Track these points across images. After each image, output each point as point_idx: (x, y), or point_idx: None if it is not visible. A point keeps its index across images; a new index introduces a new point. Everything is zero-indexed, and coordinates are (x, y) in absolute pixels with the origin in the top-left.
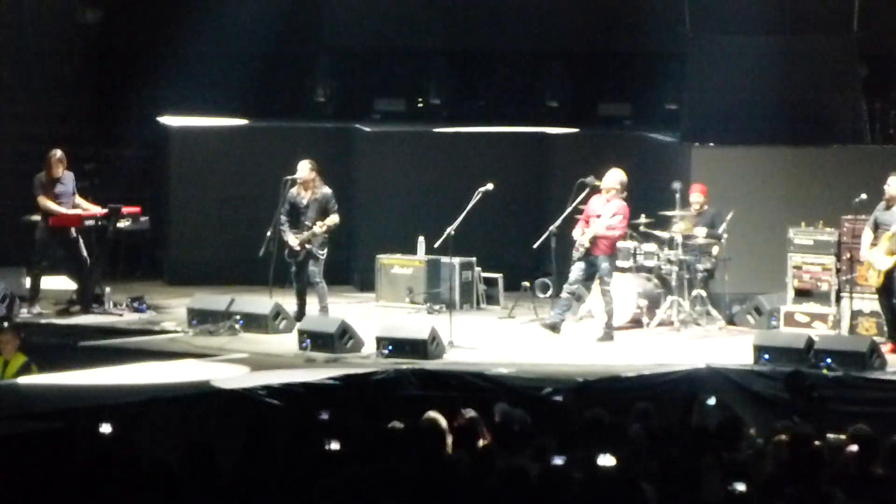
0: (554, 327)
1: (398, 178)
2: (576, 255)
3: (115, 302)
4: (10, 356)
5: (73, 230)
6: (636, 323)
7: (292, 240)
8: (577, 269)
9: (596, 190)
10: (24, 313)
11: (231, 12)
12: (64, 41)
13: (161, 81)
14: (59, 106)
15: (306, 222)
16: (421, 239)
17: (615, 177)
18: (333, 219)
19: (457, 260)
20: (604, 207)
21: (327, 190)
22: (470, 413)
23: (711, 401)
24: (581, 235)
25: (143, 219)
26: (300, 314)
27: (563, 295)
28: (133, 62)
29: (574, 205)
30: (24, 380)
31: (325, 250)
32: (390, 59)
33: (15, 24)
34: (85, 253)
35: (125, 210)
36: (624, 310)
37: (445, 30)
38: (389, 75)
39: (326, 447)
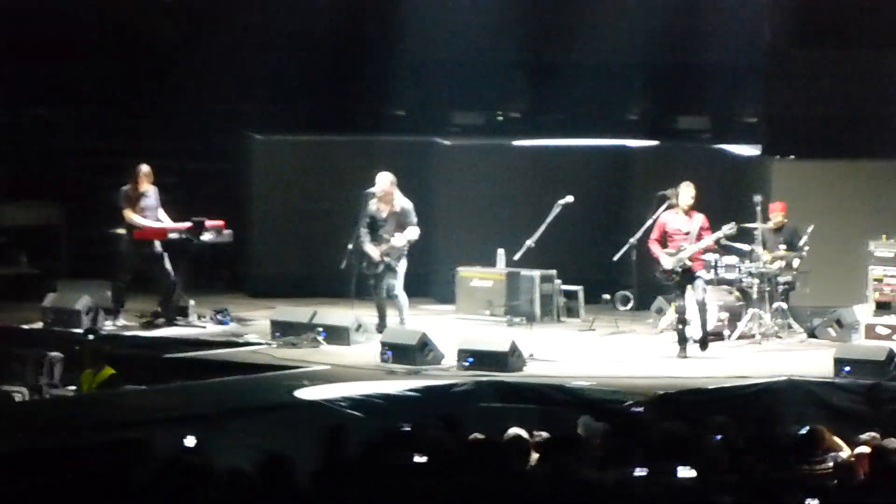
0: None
1: (477, 191)
2: (669, 278)
3: (199, 314)
4: (97, 368)
5: (157, 244)
6: (717, 335)
7: (373, 251)
8: (686, 296)
9: (668, 205)
10: (108, 326)
11: (309, 27)
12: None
13: (244, 96)
14: (143, 120)
15: (385, 235)
16: (500, 251)
17: (692, 192)
18: (412, 232)
19: (537, 272)
20: (689, 224)
21: (406, 203)
22: (544, 435)
23: (803, 430)
24: (674, 260)
25: (226, 232)
26: (381, 326)
27: (679, 326)
28: (216, 77)
29: (655, 218)
30: (109, 391)
31: (404, 263)
32: (469, 71)
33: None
34: (169, 266)
35: (209, 223)
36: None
37: (524, 42)
38: (468, 88)
39: (407, 459)
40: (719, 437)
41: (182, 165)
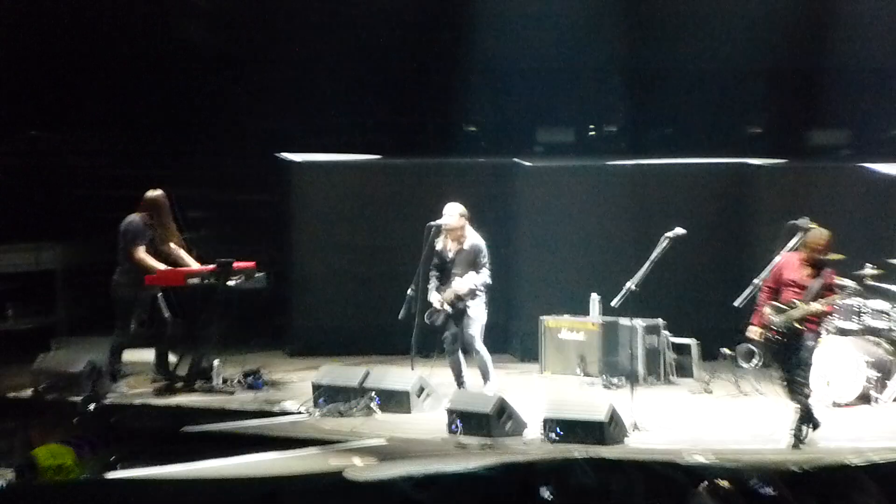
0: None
1: (566, 223)
2: (771, 340)
3: (225, 377)
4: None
5: (158, 288)
6: (864, 399)
7: (434, 298)
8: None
9: (799, 240)
10: (115, 392)
11: (364, 30)
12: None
13: (281, 113)
14: (158, 143)
15: (452, 279)
16: (594, 297)
17: (822, 239)
18: (477, 277)
19: (639, 322)
20: (812, 280)
21: (478, 241)
22: None
23: None
24: (782, 318)
25: (258, 275)
26: (460, 387)
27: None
28: (253, 92)
29: (784, 253)
30: (114, 475)
31: (483, 310)
32: (556, 80)
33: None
34: (167, 313)
35: (237, 265)
36: (849, 383)
37: (622, 45)
38: (554, 100)
39: None
40: None
41: (207, 195)
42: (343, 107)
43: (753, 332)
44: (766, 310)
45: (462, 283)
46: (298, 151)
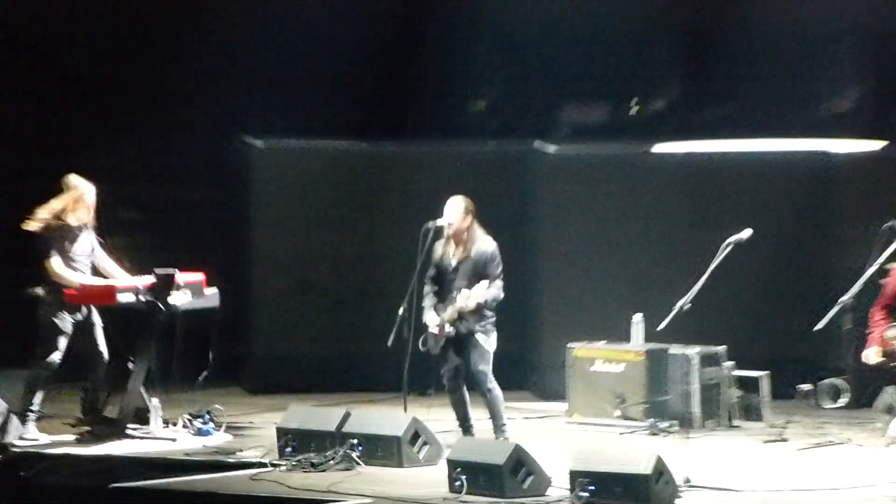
0: None
1: (600, 224)
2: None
3: (166, 420)
4: None
5: (92, 309)
6: None
7: (431, 319)
8: None
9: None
10: (26, 438)
11: None
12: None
13: (238, 86)
14: (77, 125)
15: (455, 293)
16: (637, 317)
17: None
18: (488, 292)
19: (695, 350)
20: None
21: (488, 246)
22: None
23: None
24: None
25: (209, 290)
26: (465, 433)
27: None
28: (205, 69)
29: (880, 264)
30: None
31: (493, 336)
32: (584, 45)
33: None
34: (102, 345)
35: (182, 279)
36: None
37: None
38: (583, 70)
39: None
40: None
41: (141, 189)
42: (317, 78)
43: (872, 354)
44: (891, 333)
45: (467, 297)
46: (260, 134)
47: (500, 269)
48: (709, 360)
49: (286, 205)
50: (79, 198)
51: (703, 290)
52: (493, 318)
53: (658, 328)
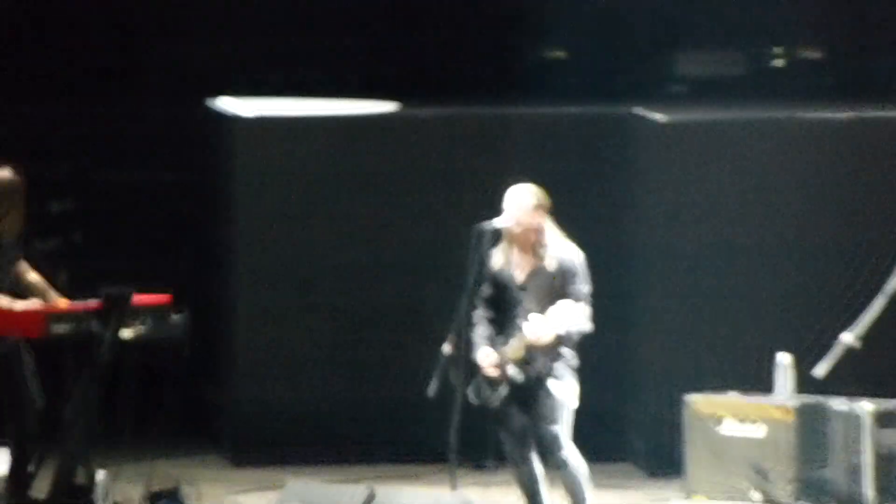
0: None
1: (725, 221)
2: None
3: (117, 502)
4: None
5: (17, 344)
6: None
7: (485, 358)
8: None
9: None
10: None
11: None
12: None
13: (213, 33)
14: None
15: (521, 321)
16: (783, 358)
17: None
18: (570, 320)
19: (866, 406)
20: None
21: (570, 254)
22: None
23: None
24: None
25: (174, 317)
26: None
27: None
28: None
29: None
30: None
31: (573, 382)
32: None
33: None
34: (33, 387)
35: (139, 300)
36: None
37: None
38: (697, 13)
39: None
40: None
41: (77, 174)
42: (324, 19)
43: None
44: None
45: (541, 326)
46: (242, 95)
47: (587, 288)
48: (887, 420)
49: (280, 194)
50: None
51: (881, 317)
52: (576, 360)
53: (815, 372)
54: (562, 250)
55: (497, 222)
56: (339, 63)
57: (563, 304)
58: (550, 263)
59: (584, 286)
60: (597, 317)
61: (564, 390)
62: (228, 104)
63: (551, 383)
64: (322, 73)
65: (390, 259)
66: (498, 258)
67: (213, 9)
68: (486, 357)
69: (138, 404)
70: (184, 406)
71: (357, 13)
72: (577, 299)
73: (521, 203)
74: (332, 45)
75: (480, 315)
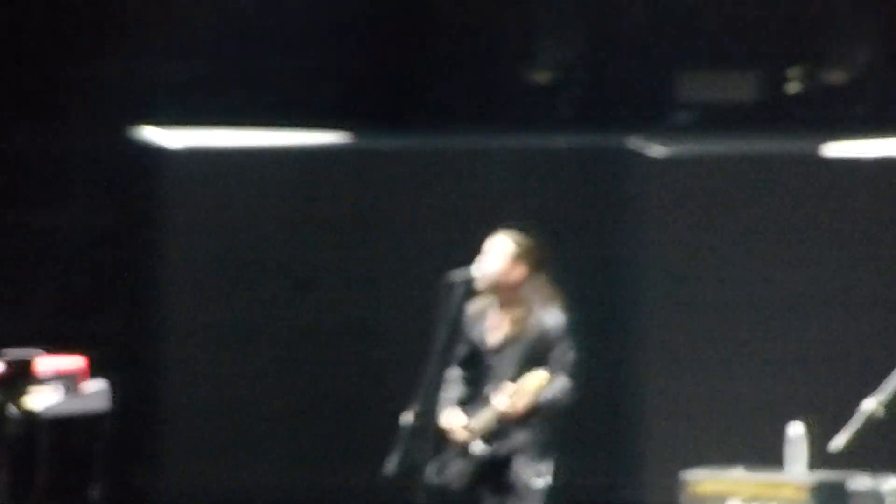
0: None
1: (733, 270)
2: None
3: None
4: None
5: None
6: None
7: (450, 421)
8: None
9: None
10: None
11: None
12: None
13: (128, 60)
14: None
15: (491, 389)
16: (795, 427)
17: None
18: (548, 389)
19: (890, 483)
20: None
21: (552, 318)
22: None
23: None
24: None
25: (93, 386)
26: None
27: None
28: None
29: None
30: None
31: (547, 463)
32: None
33: None
34: None
35: (50, 365)
36: None
37: None
38: (705, 28)
39: None
40: None
41: None
42: (266, 35)
43: None
44: None
45: (513, 394)
46: (170, 124)
47: (570, 355)
48: None
49: (213, 238)
50: None
51: None
52: (550, 435)
53: (832, 446)
54: (544, 313)
55: (471, 272)
56: (283, 86)
57: (539, 372)
58: (530, 326)
59: (567, 353)
60: (586, 385)
61: (541, 471)
62: (153, 134)
63: (526, 461)
64: (263, 97)
65: (344, 316)
66: (473, 317)
67: (137, 23)
68: (453, 420)
69: (49, 484)
70: (107, 492)
71: (304, 27)
72: (559, 367)
73: (500, 251)
74: (275, 65)
75: (455, 375)
